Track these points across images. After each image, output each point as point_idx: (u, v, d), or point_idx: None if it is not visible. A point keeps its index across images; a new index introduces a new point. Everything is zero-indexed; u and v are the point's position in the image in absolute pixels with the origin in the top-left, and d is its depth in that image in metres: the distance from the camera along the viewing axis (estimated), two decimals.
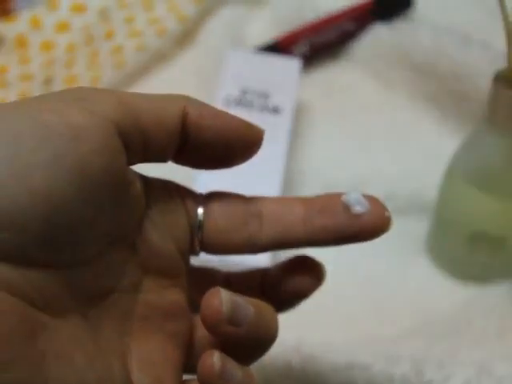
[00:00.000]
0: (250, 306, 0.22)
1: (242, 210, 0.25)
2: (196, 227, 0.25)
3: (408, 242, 0.46)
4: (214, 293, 0.22)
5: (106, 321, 0.22)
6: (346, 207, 0.24)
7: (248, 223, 0.25)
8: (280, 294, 0.27)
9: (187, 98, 0.24)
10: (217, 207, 0.25)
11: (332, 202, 0.25)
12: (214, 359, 0.21)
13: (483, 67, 0.49)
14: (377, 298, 0.43)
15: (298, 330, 0.34)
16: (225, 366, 0.21)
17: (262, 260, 0.39)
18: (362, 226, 0.24)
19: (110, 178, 0.20)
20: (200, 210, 0.25)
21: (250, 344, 0.23)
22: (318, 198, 0.25)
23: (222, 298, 0.21)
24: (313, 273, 0.26)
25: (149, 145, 0.22)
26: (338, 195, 0.25)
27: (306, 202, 0.25)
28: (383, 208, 0.24)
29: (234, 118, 0.24)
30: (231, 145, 0.24)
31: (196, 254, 0.26)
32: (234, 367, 0.22)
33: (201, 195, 0.26)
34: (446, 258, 0.44)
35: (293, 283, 0.26)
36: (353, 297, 0.43)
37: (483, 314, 0.39)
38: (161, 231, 0.24)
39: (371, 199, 0.24)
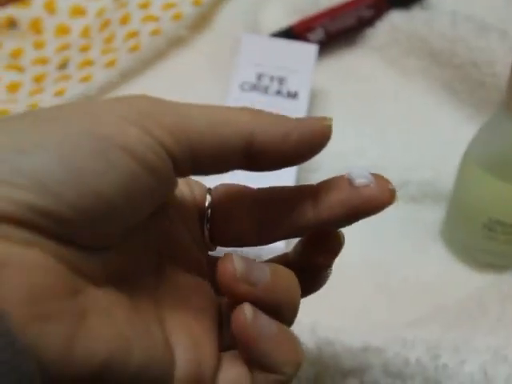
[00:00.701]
0: (264, 267, 0.23)
1: (250, 201, 0.25)
2: (205, 219, 0.26)
3: (423, 229, 0.46)
4: (227, 255, 0.23)
5: (138, 295, 0.23)
6: (351, 182, 0.24)
7: (257, 214, 0.25)
8: (303, 270, 0.26)
9: (255, 120, 0.23)
10: (225, 200, 0.26)
11: (337, 179, 0.25)
12: (245, 310, 0.22)
13: (501, 54, 0.49)
14: (391, 285, 0.43)
15: (313, 315, 0.35)
16: (256, 317, 0.22)
17: (278, 247, 0.39)
18: (366, 198, 0.24)
19: (156, 193, 0.22)
20: (208, 203, 0.26)
21: (271, 309, 0.23)
22: (324, 181, 0.25)
23: (234, 259, 0.22)
24: (331, 240, 0.26)
25: (202, 168, 0.23)
26: (343, 174, 0.25)
27: (314, 187, 0.25)
28: (387, 181, 0.24)
29: (304, 131, 0.23)
30: (299, 153, 0.24)
31: (211, 248, 0.26)
32: (265, 319, 0.23)
33: (209, 189, 0.26)
34: (461, 245, 0.44)
35: (313, 255, 0.26)
36: (367, 284, 0.43)
37: (498, 301, 0.38)
38: (175, 223, 0.25)
39: (375, 174, 0.25)
